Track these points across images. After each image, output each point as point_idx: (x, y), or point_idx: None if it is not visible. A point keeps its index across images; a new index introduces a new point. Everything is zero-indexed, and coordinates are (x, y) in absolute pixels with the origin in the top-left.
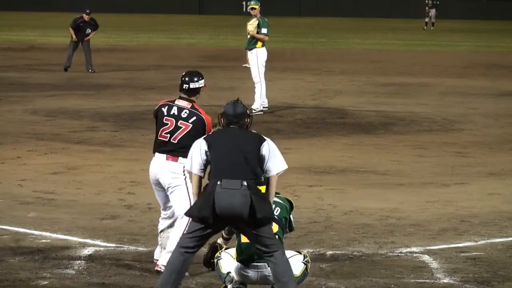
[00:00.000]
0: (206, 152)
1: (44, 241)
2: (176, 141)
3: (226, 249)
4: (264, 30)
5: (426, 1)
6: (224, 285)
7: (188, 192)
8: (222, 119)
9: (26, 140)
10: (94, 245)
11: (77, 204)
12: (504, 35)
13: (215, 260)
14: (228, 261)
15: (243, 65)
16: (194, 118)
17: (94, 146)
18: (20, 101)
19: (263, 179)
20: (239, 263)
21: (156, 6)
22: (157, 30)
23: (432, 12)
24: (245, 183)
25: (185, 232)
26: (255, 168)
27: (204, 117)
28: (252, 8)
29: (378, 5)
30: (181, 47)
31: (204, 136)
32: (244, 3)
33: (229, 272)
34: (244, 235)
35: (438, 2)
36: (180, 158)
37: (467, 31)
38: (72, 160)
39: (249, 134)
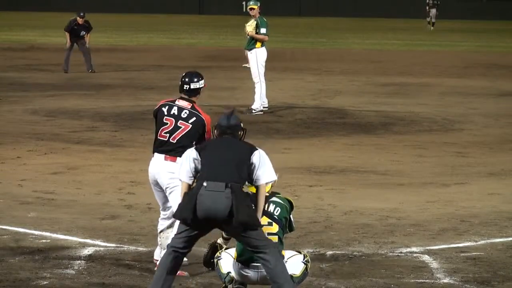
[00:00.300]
0: (195, 159)
1: (44, 241)
2: (175, 141)
3: (226, 249)
4: (263, 30)
5: (427, 1)
6: (224, 285)
7: None
8: (216, 131)
9: (26, 140)
10: (94, 245)
11: (77, 204)
12: (504, 35)
13: (215, 260)
14: (228, 261)
15: (243, 65)
16: (194, 118)
17: (94, 146)
18: (20, 101)
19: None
20: (239, 263)
21: (156, 6)
22: (157, 30)
23: (433, 11)
24: (229, 185)
25: (175, 233)
26: (243, 173)
27: (203, 118)
28: (251, 8)
29: (378, 5)
30: (181, 47)
31: (196, 146)
32: (244, 3)
33: (229, 272)
34: (232, 236)
35: (439, 2)
36: (179, 159)
37: (467, 31)
38: (72, 160)
39: (241, 143)
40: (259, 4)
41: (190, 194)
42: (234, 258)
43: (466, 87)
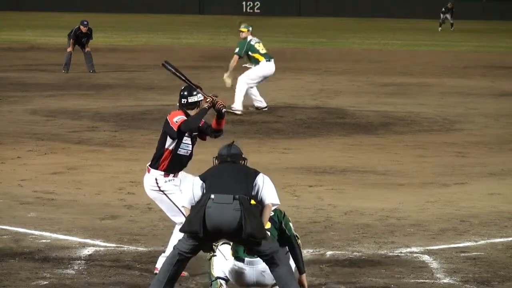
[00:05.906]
0: (198, 185)
1: (44, 241)
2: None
3: (222, 244)
4: (236, 50)
5: (443, 9)
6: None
7: (170, 199)
8: (216, 161)
9: (26, 140)
10: (94, 245)
11: (77, 204)
12: (504, 35)
13: (210, 256)
14: (220, 262)
15: (243, 65)
16: (164, 123)
17: (94, 146)
18: (20, 101)
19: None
20: (234, 260)
21: (156, 6)
22: (157, 30)
23: (448, 15)
24: (237, 197)
25: (183, 236)
26: (249, 187)
27: (167, 117)
28: (241, 32)
29: (378, 5)
30: (181, 47)
31: (200, 174)
32: (244, 3)
33: (218, 278)
34: (240, 245)
35: (450, 6)
36: (152, 170)
37: (467, 31)
38: (72, 160)
39: (245, 166)
40: (250, 29)
41: (198, 206)
42: (231, 256)
43: (466, 87)
